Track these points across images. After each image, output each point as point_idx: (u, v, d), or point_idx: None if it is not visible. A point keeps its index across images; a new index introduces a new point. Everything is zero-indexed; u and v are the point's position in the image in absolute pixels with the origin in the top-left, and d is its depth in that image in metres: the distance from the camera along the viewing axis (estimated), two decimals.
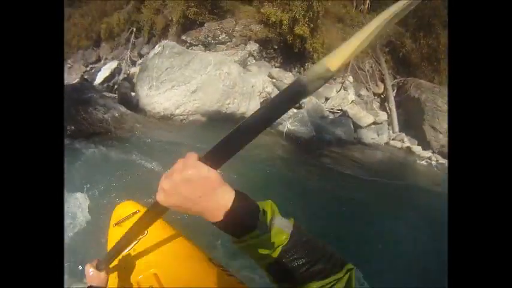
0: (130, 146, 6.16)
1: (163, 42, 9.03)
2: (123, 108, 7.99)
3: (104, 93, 9.23)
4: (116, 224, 2.07)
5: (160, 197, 0.61)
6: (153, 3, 16.67)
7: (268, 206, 0.66)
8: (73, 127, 6.66)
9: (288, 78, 11.12)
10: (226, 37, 13.48)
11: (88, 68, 16.70)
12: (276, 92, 9.86)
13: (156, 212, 0.77)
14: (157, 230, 1.91)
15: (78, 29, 21.88)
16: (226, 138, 0.63)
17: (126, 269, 1.59)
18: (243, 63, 11.17)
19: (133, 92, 9.03)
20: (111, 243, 1.93)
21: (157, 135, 7.07)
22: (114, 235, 1.99)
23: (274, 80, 10.58)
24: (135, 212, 2.09)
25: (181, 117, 8.17)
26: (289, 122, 8.35)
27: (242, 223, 0.61)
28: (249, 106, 8.78)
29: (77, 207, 3.85)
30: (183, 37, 14.18)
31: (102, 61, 16.57)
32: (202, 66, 8.42)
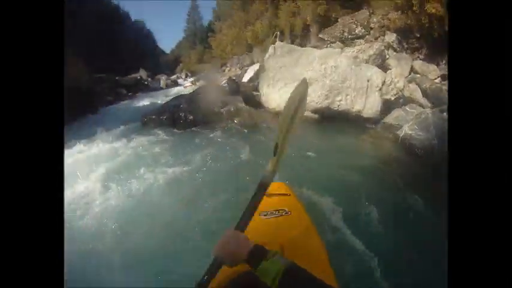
0: (228, 135, 7.21)
1: (276, 44, 9.49)
2: (241, 104, 8.89)
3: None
4: (266, 195, 2.30)
5: (218, 250, 1.08)
6: (287, 6, 17.54)
7: (274, 252, 0.99)
8: (191, 117, 8.28)
9: (432, 72, 9.72)
10: (363, 30, 12.87)
11: (241, 71, 18.68)
12: (415, 87, 8.95)
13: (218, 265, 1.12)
14: (300, 214, 2.18)
15: (228, 38, 26.60)
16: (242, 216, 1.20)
17: (256, 233, 1.71)
18: (381, 57, 10.21)
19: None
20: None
21: (264, 128, 7.96)
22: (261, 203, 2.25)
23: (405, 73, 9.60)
24: (286, 194, 2.42)
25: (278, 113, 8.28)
26: (408, 125, 6.28)
27: (257, 259, 0.97)
28: (365, 103, 7.95)
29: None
30: (320, 35, 14.31)
31: (255, 64, 18.03)
32: (308, 61, 8.46)
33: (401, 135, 6.08)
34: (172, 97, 10.94)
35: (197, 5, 56.45)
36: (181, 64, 47.51)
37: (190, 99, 9.10)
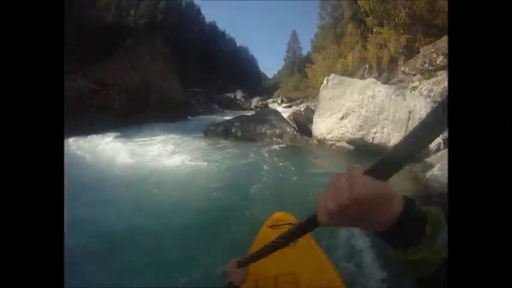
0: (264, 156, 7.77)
1: (330, 76, 9.76)
2: (288, 129, 9.68)
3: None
4: (270, 226, 2.42)
5: (323, 218, 0.56)
6: (374, 38, 17.73)
7: (434, 216, 0.59)
8: (240, 133, 9.92)
9: None
10: (445, 60, 11.47)
11: None
12: None
13: (309, 227, 0.75)
14: (308, 242, 2.14)
15: (322, 69, 27.25)
16: (394, 149, 0.55)
17: (265, 264, 1.66)
18: None
19: None
20: (259, 240, 2.23)
21: (300, 152, 8.48)
22: (264, 235, 2.33)
23: None
24: (290, 224, 2.38)
25: (330, 142, 8.58)
26: (440, 164, 5.75)
27: (404, 236, 0.57)
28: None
29: None
30: (402, 68, 14.07)
31: None
32: (350, 92, 8.56)
33: (427, 176, 5.44)
34: (236, 116, 12.62)
35: (297, 35, 58.23)
36: (278, 90, 49.40)
37: (247, 119, 10.65)
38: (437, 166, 5.56)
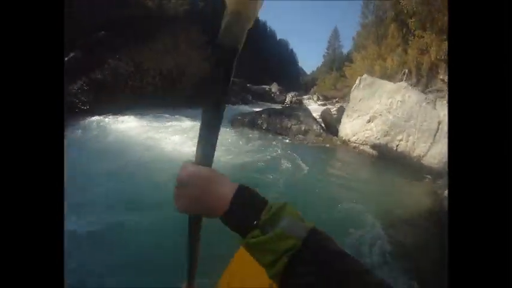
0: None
1: (363, 76, 9.67)
2: (315, 126, 9.61)
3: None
4: None
5: (176, 204, 0.62)
6: (416, 42, 17.20)
7: (281, 206, 0.57)
8: (266, 125, 9.93)
9: None
10: None
11: None
12: None
13: (193, 220, 0.77)
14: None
15: (361, 69, 26.56)
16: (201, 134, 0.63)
17: (244, 276, 2.06)
18: None
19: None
20: None
21: (316, 152, 8.33)
22: None
23: None
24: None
25: (354, 144, 8.41)
26: None
27: (242, 219, 0.57)
28: (430, 149, 7.00)
29: None
30: (442, 76, 13.85)
31: None
32: (380, 95, 8.38)
33: (445, 193, 4.99)
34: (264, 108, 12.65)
35: (339, 32, 57.25)
36: (315, 87, 48.82)
37: (275, 112, 10.61)
38: None
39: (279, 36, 74.20)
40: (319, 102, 30.53)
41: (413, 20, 17.40)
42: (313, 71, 75.87)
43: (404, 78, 17.36)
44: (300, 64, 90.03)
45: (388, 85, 8.60)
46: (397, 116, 7.45)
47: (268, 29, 66.19)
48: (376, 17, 27.17)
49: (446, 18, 14.89)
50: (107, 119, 9.75)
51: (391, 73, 20.00)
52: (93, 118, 9.90)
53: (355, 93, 9.37)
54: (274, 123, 9.85)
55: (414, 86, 16.04)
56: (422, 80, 16.15)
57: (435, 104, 7.47)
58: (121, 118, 10.24)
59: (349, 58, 37.71)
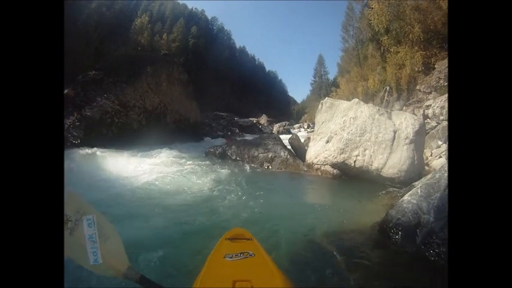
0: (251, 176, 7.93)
1: (324, 99, 9.81)
2: (283, 153, 9.80)
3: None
4: (228, 239, 2.50)
5: None
6: (392, 58, 17.66)
7: None
8: (235, 156, 10.38)
9: None
10: None
11: None
12: None
13: None
14: (263, 256, 2.26)
15: (345, 93, 26.98)
16: None
17: (225, 273, 1.91)
18: None
19: None
20: (217, 250, 2.33)
21: (281, 177, 8.66)
22: (222, 246, 2.41)
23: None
24: (248, 239, 2.50)
25: (316, 166, 8.43)
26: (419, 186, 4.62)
27: None
28: (387, 160, 6.91)
29: None
30: (418, 87, 14.20)
31: None
32: (336, 115, 8.54)
33: (398, 202, 4.35)
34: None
35: (323, 59, 58.66)
36: (305, 115, 49.61)
37: (245, 143, 11.21)
38: (416, 190, 4.47)
39: (267, 68, 76.18)
40: (309, 130, 31.09)
41: (385, 37, 18.10)
42: (303, 100, 76.97)
43: (386, 96, 17.85)
44: (291, 93, 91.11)
45: (343, 104, 8.77)
46: (351, 133, 7.51)
47: (256, 62, 68.12)
48: (356, 40, 27.87)
49: (416, 30, 15.45)
50: (95, 153, 10.58)
51: (373, 92, 20.70)
52: (82, 152, 10.75)
53: (318, 117, 9.57)
54: (243, 153, 10.28)
55: (396, 100, 16.92)
56: (403, 94, 16.63)
57: (390, 114, 7.54)
58: (108, 152, 10.90)
59: (335, 83, 38.43)
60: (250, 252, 2.15)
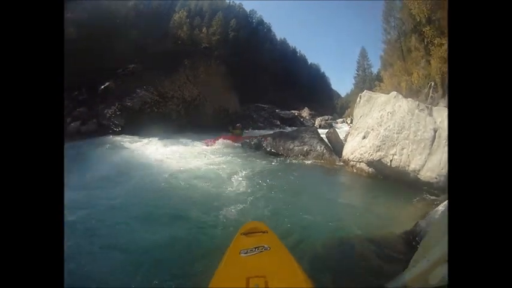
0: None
1: (363, 92, 9.48)
2: (317, 147, 9.70)
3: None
4: (243, 233, 2.57)
5: None
6: (437, 51, 16.54)
7: None
8: (269, 148, 10.36)
9: None
10: None
11: None
12: None
13: None
14: (279, 249, 2.29)
15: (388, 88, 25.85)
16: None
17: (240, 272, 1.90)
18: None
19: None
20: (233, 246, 2.37)
21: (316, 173, 8.40)
22: (237, 241, 2.47)
23: None
24: (264, 232, 2.58)
25: (352, 163, 8.03)
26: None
27: None
28: (426, 162, 6.28)
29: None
30: None
31: None
32: (373, 109, 8.11)
33: (431, 212, 4.13)
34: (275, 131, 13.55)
35: (366, 51, 56.80)
36: (349, 109, 48.64)
37: (280, 135, 11.08)
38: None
39: (309, 61, 75.28)
40: (352, 125, 30.32)
41: (428, 28, 17.06)
42: (347, 93, 75.49)
43: (431, 92, 16.93)
44: (334, 87, 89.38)
45: (381, 97, 8.31)
46: (388, 129, 6.96)
47: (298, 54, 67.38)
48: (398, 31, 26.41)
49: None
50: (133, 141, 11.23)
51: (418, 87, 19.52)
52: (123, 139, 11.68)
53: (356, 111, 9.26)
54: (278, 145, 10.21)
55: (441, 97, 15.95)
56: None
57: (431, 110, 6.93)
58: (145, 140, 11.71)
59: (379, 77, 37.34)
60: (266, 246, 2.23)
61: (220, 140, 11.71)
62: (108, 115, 14.30)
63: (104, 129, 13.54)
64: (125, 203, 4.92)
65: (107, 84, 15.40)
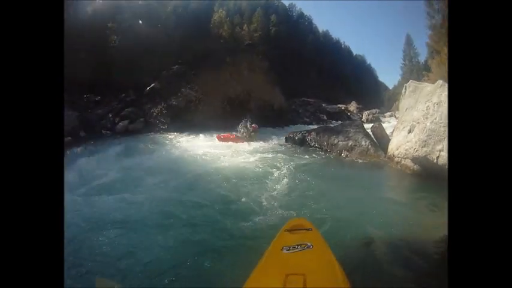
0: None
1: (408, 82, 9.02)
2: (362, 142, 9.50)
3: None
4: (287, 230, 2.57)
5: None
6: None
7: None
8: (314, 143, 10.50)
9: None
10: None
11: None
12: None
13: None
14: (322, 248, 2.26)
15: (437, 77, 24.83)
16: None
17: (280, 266, 1.95)
18: None
19: None
20: (277, 243, 2.37)
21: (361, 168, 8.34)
22: (281, 238, 2.48)
23: None
24: (308, 229, 2.56)
25: (396, 159, 7.67)
26: None
27: None
28: None
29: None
30: None
31: None
32: (419, 100, 7.51)
33: None
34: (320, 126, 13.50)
35: (411, 39, 53.79)
36: (396, 102, 46.84)
37: (325, 130, 11.09)
38: None
39: (354, 52, 73.21)
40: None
41: None
42: (394, 85, 72.42)
43: None
44: (381, 78, 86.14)
45: (427, 87, 7.61)
46: (434, 122, 6.42)
47: (342, 45, 65.82)
48: (443, 15, 24.67)
49: None
50: (179, 137, 11.99)
51: None
52: (169, 136, 12.50)
53: (402, 103, 8.89)
54: (322, 140, 10.22)
55: None
56: None
57: None
58: (191, 136, 12.59)
59: (426, 66, 35.57)
60: (309, 244, 2.20)
61: (230, 143, 11.11)
62: (154, 114, 15.24)
63: (151, 127, 14.39)
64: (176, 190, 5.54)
65: (152, 85, 16.44)
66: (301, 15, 55.26)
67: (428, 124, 6.66)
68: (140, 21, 18.45)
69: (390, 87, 74.51)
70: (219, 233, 3.95)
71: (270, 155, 9.13)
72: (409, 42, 54.10)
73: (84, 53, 14.83)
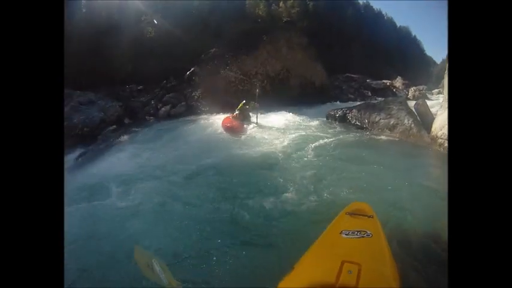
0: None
1: None
2: (405, 120, 9.27)
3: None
4: (348, 213, 2.57)
5: None
6: None
7: None
8: (354, 120, 10.47)
9: None
10: None
11: None
12: None
13: None
14: (380, 238, 2.24)
15: None
16: None
17: (336, 249, 1.98)
18: None
19: None
20: (336, 224, 2.41)
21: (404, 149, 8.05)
22: (341, 220, 2.50)
23: None
24: (370, 216, 2.53)
25: (440, 140, 7.57)
26: None
27: None
28: None
29: None
30: None
31: None
32: None
33: None
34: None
35: None
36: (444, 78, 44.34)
37: (367, 107, 10.98)
38: None
39: (398, 24, 69.38)
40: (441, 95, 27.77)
41: None
42: (443, 59, 68.30)
43: None
44: (428, 52, 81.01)
45: None
46: None
47: (385, 17, 62.68)
48: None
49: None
50: (220, 119, 11.91)
51: None
52: (209, 118, 12.82)
53: (447, 78, 8.53)
54: (363, 118, 10.12)
55: None
56: None
57: None
58: None
59: None
60: (368, 232, 2.22)
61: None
62: (196, 97, 15.64)
63: (193, 110, 14.74)
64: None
65: (192, 69, 16.82)
66: None
67: None
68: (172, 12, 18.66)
69: (438, 61, 70.73)
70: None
71: (309, 132, 9.30)
72: None
73: (121, 49, 15.55)
